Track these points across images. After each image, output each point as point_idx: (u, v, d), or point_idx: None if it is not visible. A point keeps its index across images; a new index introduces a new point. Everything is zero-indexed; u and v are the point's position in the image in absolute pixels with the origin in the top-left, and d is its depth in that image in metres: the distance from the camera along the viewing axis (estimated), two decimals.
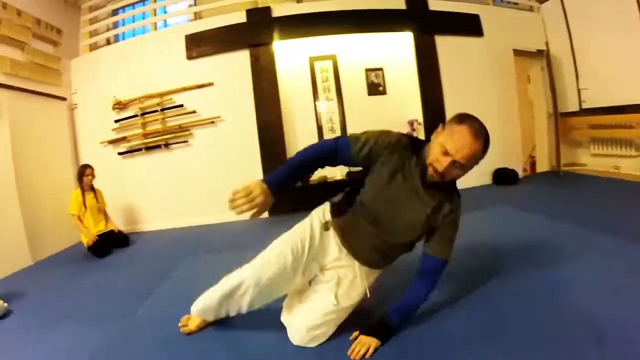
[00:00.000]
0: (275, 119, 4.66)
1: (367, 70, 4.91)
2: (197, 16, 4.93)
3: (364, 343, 1.47)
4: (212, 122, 4.69)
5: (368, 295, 1.62)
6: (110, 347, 1.81)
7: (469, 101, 4.56)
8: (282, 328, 1.65)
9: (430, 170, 1.40)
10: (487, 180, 5.02)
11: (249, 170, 4.53)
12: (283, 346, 1.57)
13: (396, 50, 4.92)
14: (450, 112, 4.54)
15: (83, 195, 3.91)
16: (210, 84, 4.68)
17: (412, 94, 4.88)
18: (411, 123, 4.80)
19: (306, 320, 1.54)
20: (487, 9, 5.26)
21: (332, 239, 1.62)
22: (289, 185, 1.43)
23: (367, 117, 4.71)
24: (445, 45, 4.90)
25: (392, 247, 1.61)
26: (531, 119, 5.59)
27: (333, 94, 4.87)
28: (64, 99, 4.71)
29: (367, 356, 1.43)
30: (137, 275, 2.96)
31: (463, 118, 1.38)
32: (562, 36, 5.07)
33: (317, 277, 1.64)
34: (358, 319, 1.62)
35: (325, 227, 1.62)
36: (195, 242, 3.90)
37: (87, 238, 3.76)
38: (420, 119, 4.83)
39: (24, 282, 3.15)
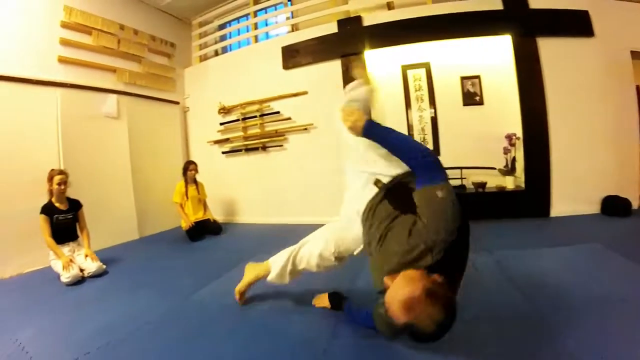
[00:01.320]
0: None
1: (463, 78, 4.71)
2: (294, 28, 5.20)
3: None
4: (306, 129, 4.97)
5: None
6: (175, 313, 2.26)
7: (576, 114, 4.17)
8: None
9: None
10: (594, 209, 4.20)
11: (335, 179, 4.70)
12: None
13: (495, 55, 4.59)
14: (554, 126, 4.20)
15: (186, 186, 4.55)
16: (305, 93, 4.95)
17: (511, 105, 4.47)
18: (509, 138, 4.39)
19: None
20: (598, 3, 4.33)
21: None
22: (377, 140, 1.61)
23: (462, 130, 4.56)
24: (549, 48, 4.34)
25: None
26: None
27: (426, 103, 4.80)
28: (177, 102, 5.40)
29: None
30: (218, 259, 3.43)
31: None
32: None
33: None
34: None
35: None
36: (278, 238, 4.21)
37: (185, 223, 4.43)
38: (520, 133, 4.40)
39: (126, 252, 3.97)
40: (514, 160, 4.41)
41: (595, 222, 3.90)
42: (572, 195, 4.20)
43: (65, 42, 3.94)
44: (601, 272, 2.36)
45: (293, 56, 4.97)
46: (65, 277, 2.95)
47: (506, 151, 4.44)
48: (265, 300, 2.31)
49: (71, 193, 3.42)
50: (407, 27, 4.56)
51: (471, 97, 4.71)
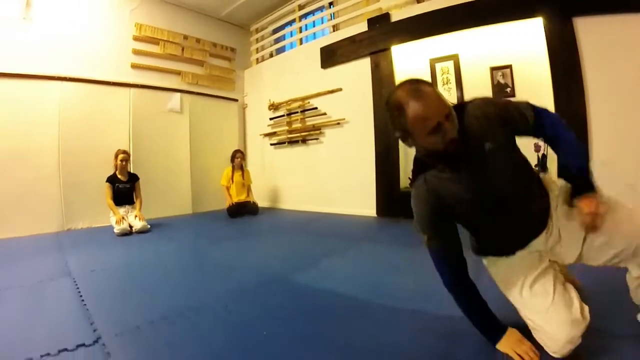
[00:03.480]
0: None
1: (493, 69, 4.53)
2: (335, 28, 5.58)
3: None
4: (338, 124, 5.33)
5: None
6: (180, 259, 3.11)
7: (626, 107, 3.43)
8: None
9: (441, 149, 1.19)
10: None
11: (364, 171, 4.99)
12: None
13: (527, 42, 4.21)
14: (596, 122, 3.58)
15: (233, 172, 5.30)
16: (339, 90, 5.31)
17: (547, 96, 4.22)
18: None
19: None
20: None
21: None
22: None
23: None
24: (590, 30, 3.64)
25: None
26: None
27: (454, 96, 4.76)
28: (236, 100, 6.25)
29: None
30: (246, 235, 4.05)
31: (396, 97, 1.21)
32: None
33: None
34: None
35: None
36: (307, 224, 4.67)
37: (228, 203, 5.18)
38: None
39: (175, 221, 4.93)
40: (544, 158, 4.13)
41: None
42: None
43: (136, 52, 5.04)
44: None
45: (330, 56, 5.37)
46: (117, 229, 3.96)
47: (537, 148, 4.18)
48: None
49: (137, 171, 4.57)
50: (434, 18, 4.56)
51: (502, 89, 4.50)
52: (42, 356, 1.38)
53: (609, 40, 3.61)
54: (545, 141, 1.39)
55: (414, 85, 1.19)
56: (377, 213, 4.83)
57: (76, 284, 2.31)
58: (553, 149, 1.39)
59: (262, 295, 2.07)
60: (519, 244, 1.38)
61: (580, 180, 1.29)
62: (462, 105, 1.30)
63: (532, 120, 1.31)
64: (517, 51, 4.37)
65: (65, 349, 1.43)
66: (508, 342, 1.29)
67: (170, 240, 3.76)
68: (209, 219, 5.08)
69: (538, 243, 1.37)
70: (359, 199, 5.07)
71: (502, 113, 1.29)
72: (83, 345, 1.47)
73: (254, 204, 5.37)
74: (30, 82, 4.15)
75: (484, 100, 1.33)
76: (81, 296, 2.09)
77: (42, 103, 4.26)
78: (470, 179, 1.27)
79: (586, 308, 1.24)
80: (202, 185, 5.73)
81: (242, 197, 5.34)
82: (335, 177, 5.35)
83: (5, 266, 2.84)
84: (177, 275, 2.65)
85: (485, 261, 1.50)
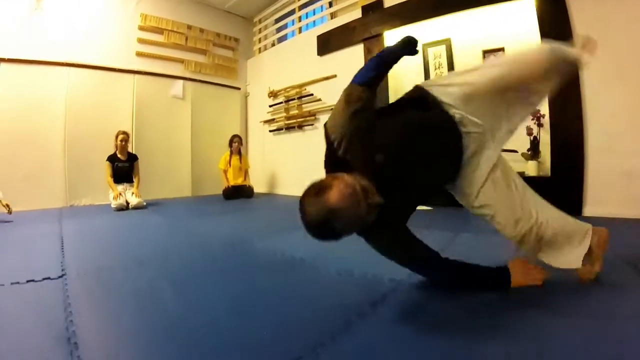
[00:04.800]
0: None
1: (485, 52, 4.52)
2: (333, 16, 5.68)
3: None
4: (332, 109, 5.40)
5: None
6: (164, 230, 3.10)
7: (622, 87, 3.24)
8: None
9: None
10: None
11: None
12: None
13: (520, 23, 4.14)
14: (592, 104, 3.43)
15: (230, 156, 5.48)
16: (334, 76, 5.41)
17: None
18: (533, 115, 3.72)
19: None
20: None
21: None
22: None
23: None
24: (583, 8, 3.48)
25: None
26: None
27: None
28: (238, 88, 6.46)
29: None
30: (232, 212, 4.24)
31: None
32: None
33: None
34: None
35: None
36: (293, 205, 4.80)
37: (224, 186, 5.40)
38: (545, 110, 3.74)
39: (173, 202, 5.13)
40: (535, 142, 4.01)
41: None
42: (619, 190, 3.21)
43: (141, 41, 5.33)
44: None
45: (326, 44, 5.48)
46: (114, 204, 4.25)
47: (529, 132, 4.10)
48: None
49: (139, 154, 4.85)
50: (426, 2, 4.59)
51: None
52: (12, 283, 1.62)
53: (602, 18, 3.40)
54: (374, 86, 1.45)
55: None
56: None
57: (62, 239, 2.57)
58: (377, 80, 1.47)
59: (219, 253, 2.25)
60: None
61: None
62: None
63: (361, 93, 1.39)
64: (509, 33, 4.27)
65: (33, 280, 1.66)
66: (518, 275, 1.39)
67: (160, 215, 4.01)
68: (205, 201, 5.31)
69: None
70: None
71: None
72: (49, 278, 1.70)
73: (249, 188, 5.56)
74: (40, 68, 4.48)
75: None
76: (62, 247, 2.35)
77: (50, 88, 4.59)
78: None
79: None
80: (202, 170, 5.97)
81: (239, 181, 5.53)
82: None
83: (7, 226, 3.21)
84: (152, 237, 2.89)
85: None
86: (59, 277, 1.72)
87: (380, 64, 1.47)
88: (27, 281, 1.64)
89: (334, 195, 1.14)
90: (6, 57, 4.26)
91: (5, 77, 4.28)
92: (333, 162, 1.40)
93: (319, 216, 1.15)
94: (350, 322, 1.18)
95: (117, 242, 2.73)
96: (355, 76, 1.44)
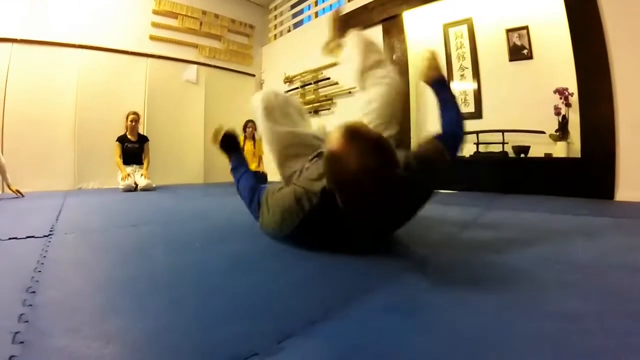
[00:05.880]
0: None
1: (508, 30, 4.27)
2: None
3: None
4: (350, 92, 5.27)
5: None
6: (174, 206, 2.90)
7: None
8: None
9: None
10: None
11: None
12: None
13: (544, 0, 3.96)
14: (621, 81, 3.21)
15: (244, 141, 5.34)
16: None
17: (566, 54, 3.70)
18: (561, 93, 3.65)
19: None
20: None
21: None
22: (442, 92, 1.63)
23: (507, 87, 4.15)
24: None
25: None
26: None
27: (468, 61, 4.55)
28: (253, 75, 6.37)
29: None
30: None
31: None
32: None
33: None
34: None
35: None
36: None
37: None
38: (574, 89, 3.58)
39: (183, 187, 4.96)
40: (565, 121, 3.78)
41: None
42: None
43: (155, 25, 5.29)
44: None
45: (343, 26, 5.29)
46: (122, 184, 4.17)
47: (557, 111, 3.86)
48: None
49: (151, 137, 4.78)
50: None
51: (518, 52, 4.23)
52: None
53: None
54: None
55: None
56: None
57: (60, 210, 2.48)
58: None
59: (219, 222, 2.14)
60: None
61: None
62: None
63: None
64: (533, 10, 4.10)
65: (15, 237, 1.55)
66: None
67: (167, 194, 3.93)
68: (216, 187, 5.19)
69: None
70: None
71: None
72: (32, 237, 1.58)
73: (263, 174, 5.42)
74: (52, 49, 4.47)
75: None
76: (58, 214, 2.26)
77: (62, 69, 4.57)
78: None
79: None
80: (215, 157, 5.83)
81: (253, 167, 5.39)
82: None
83: (16, 200, 3.18)
84: (153, 210, 2.81)
85: None
86: (44, 236, 1.60)
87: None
88: (9, 238, 1.54)
89: None
90: (18, 37, 4.25)
91: (17, 58, 4.27)
92: None
93: None
94: None
95: (115, 212, 2.63)
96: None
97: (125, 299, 0.90)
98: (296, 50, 5.96)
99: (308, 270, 1.13)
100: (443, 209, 2.41)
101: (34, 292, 0.90)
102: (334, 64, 5.38)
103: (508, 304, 0.81)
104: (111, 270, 1.19)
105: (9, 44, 4.24)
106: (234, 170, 1.79)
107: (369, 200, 1.03)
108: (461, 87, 4.56)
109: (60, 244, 1.48)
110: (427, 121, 4.71)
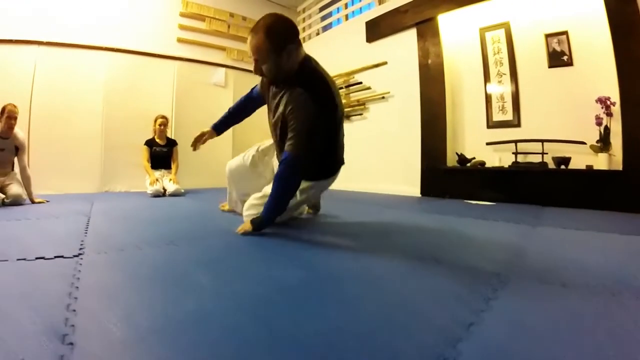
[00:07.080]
0: (437, 96, 4.61)
1: (547, 35, 4.07)
2: (381, 1, 5.39)
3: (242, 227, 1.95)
4: (383, 97, 5.14)
5: None
6: (203, 212, 2.81)
7: None
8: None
9: None
10: None
11: (410, 146, 4.77)
12: None
13: (585, 3, 3.72)
14: None
15: None
16: (384, 63, 5.11)
17: (607, 61, 3.50)
18: (602, 102, 3.46)
19: None
20: None
21: None
22: (228, 126, 2.77)
23: (546, 94, 3.96)
24: None
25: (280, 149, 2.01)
26: None
27: (505, 67, 4.38)
28: None
29: (239, 231, 1.92)
30: None
31: None
32: None
33: None
34: None
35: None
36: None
37: None
38: (616, 97, 3.39)
39: (211, 191, 4.89)
40: (607, 132, 3.59)
41: None
42: None
43: (183, 27, 5.27)
44: None
45: (375, 29, 5.20)
46: (150, 190, 4.11)
47: (599, 121, 3.68)
48: None
49: (179, 141, 4.74)
50: None
51: (558, 57, 4.03)
52: (18, 259, 1.42)
53: None
54: None
55: (261, 25, 1.90)
56: (422, 193, 4.60)
57: (89, 218, 2.42)
58: None
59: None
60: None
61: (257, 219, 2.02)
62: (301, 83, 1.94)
63: (286, 148, 1.96)
64: (573, 14, 3.89)
65: (43, 257, 1.45)
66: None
67: (198, 202, 3.81)
68: None
69: None
70: (401, 176, 4.88)
71: (291, 120, 1.92)
72: (62, 257, 1.48)
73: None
74: (80, 51, 4.49)
75: (296, 103, 1.92)
76: (87, 225, 2.18)
77: (88, 72, 4.58)
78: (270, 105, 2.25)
79: None
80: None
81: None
82: (378, 153, 5.16)
83: (41, 205, 3.19)
84: (186, 220, 2.72)
85: None
86: (74, 256, 1.49)
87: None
88: (36, 258, 1.43)
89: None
90: (45, 40, 4.28)
91: (44, 61, 4.30)
92: None
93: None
94: None
95: (144, 223, 2.50)
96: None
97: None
98: (325, 53, 5.82)
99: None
100: (487, 225, 2.31)
101: (71, 344, 0.74)
102: (366, 68, 5.28)
103: None
104: (159, 308, 0.99)
105: (35, 47, 4.27)
106: (277, 210, 2.04)
107: None
108: (498, 93, 4.40)
109: (92, 267, 1.37)
110: (463, 128, 4.60)
